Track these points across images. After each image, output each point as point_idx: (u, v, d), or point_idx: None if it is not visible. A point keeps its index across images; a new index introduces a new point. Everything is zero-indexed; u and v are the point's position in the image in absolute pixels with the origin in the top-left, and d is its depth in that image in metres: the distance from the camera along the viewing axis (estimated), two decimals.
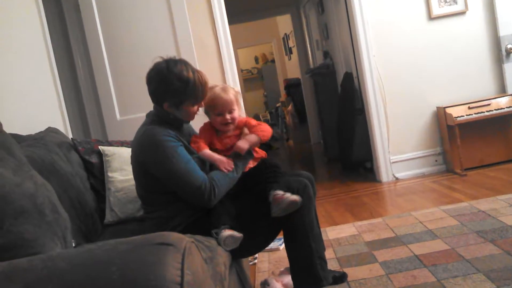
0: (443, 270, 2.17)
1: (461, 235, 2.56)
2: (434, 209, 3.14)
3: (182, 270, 0.73)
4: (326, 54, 5.96)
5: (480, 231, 2.58)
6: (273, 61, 11.14)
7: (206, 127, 2.04)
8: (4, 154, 1.08)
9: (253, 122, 2.04)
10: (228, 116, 1.94)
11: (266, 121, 10.07)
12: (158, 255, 0.73)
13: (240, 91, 2.06)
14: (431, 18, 4.24)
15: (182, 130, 1.99)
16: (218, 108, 1.95)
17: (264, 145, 7.26)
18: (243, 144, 1.90)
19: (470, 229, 2.63)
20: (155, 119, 1.92)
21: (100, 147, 2.42)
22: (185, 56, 3.62)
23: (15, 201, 0.99)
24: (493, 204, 3.01)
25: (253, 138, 1.95)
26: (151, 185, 1.86)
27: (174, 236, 0.80)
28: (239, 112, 2.02)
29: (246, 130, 2.00)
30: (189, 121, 2.02)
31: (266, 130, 1.99)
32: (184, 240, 0.81)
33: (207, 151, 1.90)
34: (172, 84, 1.83)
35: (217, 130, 2.02)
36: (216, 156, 1.91)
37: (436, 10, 4.24)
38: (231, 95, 1.96)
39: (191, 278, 0.75)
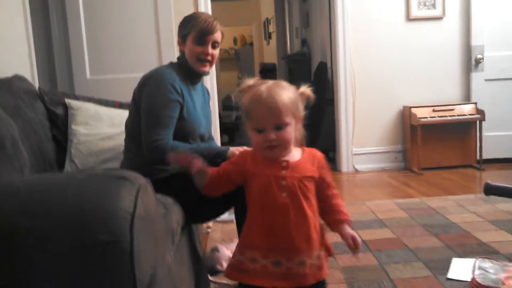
0: (386, 255, 2.28)
1: (408, 227, 2.68)
2: (387, 201, 3.26)
3: (135, 202, 0.77)
4: (304, 42, 6.02)
5: (427, 225, 2.70)
6: (251, 44, 11.12)
7: (246, 150, 1.48)
8: None
9: (328, 174, 1.37)
10: (273, 135, 1.24)
11: (237, 102, 10.06)
12: (113, 185, 0.77)
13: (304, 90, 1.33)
14: (409, 19, 4.34)
15: (196, 86, 2.02)
16: (257, 119, 1.25)
17: (231, 124, 7.15)
18: None
19: (418, 222, 2.75)
20: (174, 63, 2.01)
21: (67, 100, 2.41)
22: (163, 28, 3.62)
23: None
24: (443, 202, 3.15)
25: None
26: (138, 122, 1.88)
27: (131, 173, 0.84)
28: (297, 129, 1.30)
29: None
30: (200, 71, 1.96)
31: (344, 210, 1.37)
32: (141, 178, 0.85)
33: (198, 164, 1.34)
34: (185, 18, 1.98)
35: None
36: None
37: (415, 12, 4.34)
38: (284, 99, 1.24)
39: (143, 212, 0.78)
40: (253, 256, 1.27)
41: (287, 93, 1.26)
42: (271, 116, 1.23)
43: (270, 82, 1.29)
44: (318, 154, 1.37)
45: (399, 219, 2.84)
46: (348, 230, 1.32)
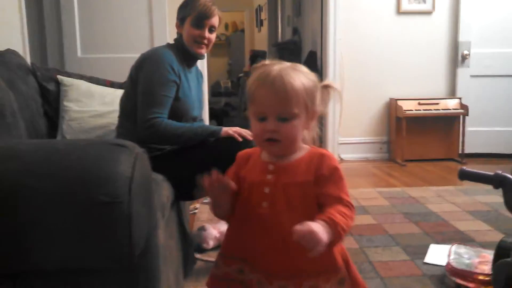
0: (367, 240, 2.36)
1: (389, 214, 2.77)
2: (370, 189, 3.35)
3: (133, 168, 0.81)
4: (295, 31, 6.05)
5: (407, 213, 2.79)
6: (242, 30, 11.12)
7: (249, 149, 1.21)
8: None
9: (334, 183, 1.05)
10: (273, 125, 1.03)
11: (226, 88, 10.09)
12: (113, 152, 0.81)
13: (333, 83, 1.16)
14: (399, 12, 4.40)
15: (191, 69, 2.07)
16: (259, 104, 1.05)
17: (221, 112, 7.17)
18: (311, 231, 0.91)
19: (399, 210, 2.83)
20: (171, 44, 2.05)
21: (59, 76, 2.42)
22: (156, 10, 3.62)
23: None
24: (423, 192, 3.24)
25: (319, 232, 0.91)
26: (133, 99, 1.92)
27: (129, 142, 0.88)
28: (311, 127, 1.11)
29: None
30: (197, 53, 2.00)
31: (349, 217, 1.01)
32: (137, 147, 0.89)
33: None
34: (184, 0, 2.03)
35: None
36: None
37: (405, 6, 4.40)
38: (296, 84, 1.03)
39: (139, 178, 0.83)
40: (241, 268, 1.11)
41: (303, 79, 1.04)
42: (276, 101, 1.01)
43: (286, 64, 1.07)
44: (322, 154, 1.08)
45: (380, 206, 2.92)
46: (313, 224, 0.92)
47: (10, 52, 2.35)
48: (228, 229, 1.18)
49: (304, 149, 1.10)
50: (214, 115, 6.23)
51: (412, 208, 2.88)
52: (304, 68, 1.08)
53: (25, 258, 0.77)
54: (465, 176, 1.42)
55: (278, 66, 1.05)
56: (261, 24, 9.27)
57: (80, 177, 0.75)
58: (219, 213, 1.13)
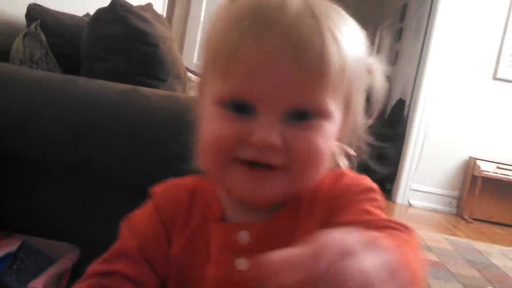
0: (429, 271, 2.54)
1: (453, 257, 2.92)
2: (435, 234, 3.50)
3: None
4: (387, 79, 6.30)
5: (470, 260, 2.93)
6: None
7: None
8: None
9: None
10: (270, 129, 0.47)
11: None
12: None
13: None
14: (495, 78, 4.53)
15: None
16: (239, 75, 0.48)
17: None
18: None
19: (462, 256, 2.98)
20: None
21: (188, 73, 2.85)
22: None
23: (175, 68, 1.41)
24: (488, 248, 3.35)
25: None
26: None
27: None
28: (343, 135, 0.59)
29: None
30: None
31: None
32: None
33: None
34: None
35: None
36: None
37: (502, 73, 4.51)
38: (342, 42, 0.50)
39: None
40: None
41: (352, 35, 0.56)
42: (293, 74, 0.48)
43: None
44: (334, 175, 0.59)
45: (445, 249, 3.08)
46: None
47: None
48: None
49: None
50: None
51: (475, 257, 3.02)
52: (346, 14, 0.57)
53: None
54: None
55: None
56: None
57: None
58: None
